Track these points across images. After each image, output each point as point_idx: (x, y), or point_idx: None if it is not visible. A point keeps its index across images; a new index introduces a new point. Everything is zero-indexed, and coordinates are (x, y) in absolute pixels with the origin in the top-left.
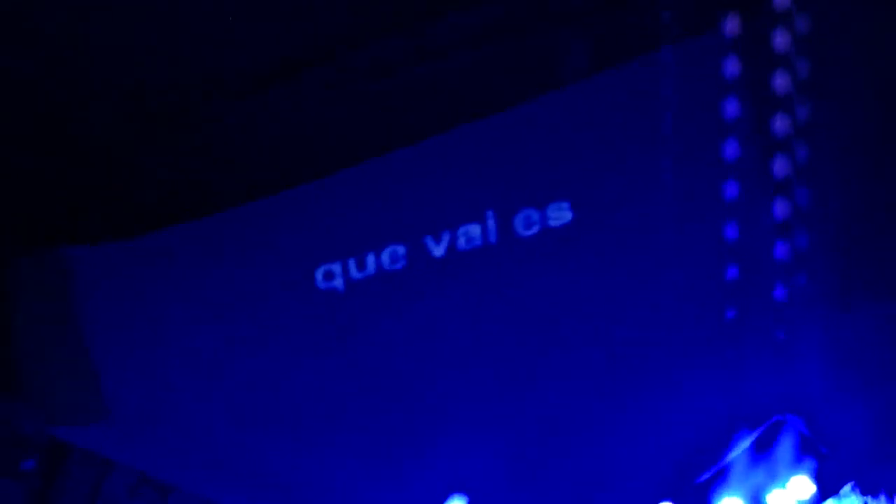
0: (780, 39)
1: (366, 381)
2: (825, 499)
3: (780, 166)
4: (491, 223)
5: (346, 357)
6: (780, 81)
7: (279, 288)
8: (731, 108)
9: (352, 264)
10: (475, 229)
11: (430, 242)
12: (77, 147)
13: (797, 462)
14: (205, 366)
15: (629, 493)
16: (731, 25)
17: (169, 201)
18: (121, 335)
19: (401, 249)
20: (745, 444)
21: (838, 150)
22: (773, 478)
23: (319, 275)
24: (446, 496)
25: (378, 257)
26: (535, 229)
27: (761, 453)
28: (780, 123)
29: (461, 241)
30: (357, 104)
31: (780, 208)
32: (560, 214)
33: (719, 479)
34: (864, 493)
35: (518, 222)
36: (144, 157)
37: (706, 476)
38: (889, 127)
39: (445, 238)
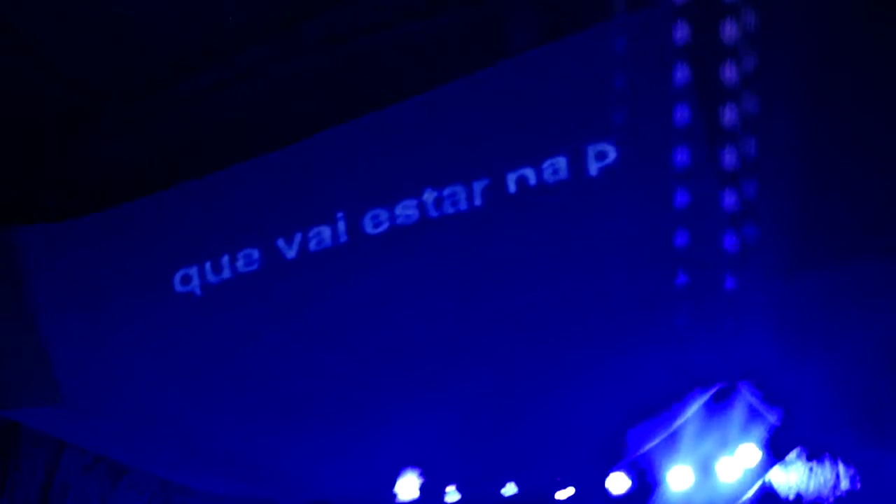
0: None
1: (314, 354)
2: (772, 465)
3: (728, 126)
4: (427, 196)
5: (294, 330)
6: (729, 32)
7: (226, 262)
8: (681, 74)
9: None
10: (411, 203)
11: (368, 218)
12: (20, 130)
13: (745, 430)
14: (154, 345)
15: (579, 462)
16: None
17: (111, 183)
18: (70, 315)
19: (342, 225)
20: (694, 410)
21: (787, 118)
22: (722, 446)
23: (280, 244)
24: (397, 469)
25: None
26: (481, 200)
27: (710, 421)
28: (729, 84)
29: (401, 218)
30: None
31: (729, 174)
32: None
33: (668, 447)
34: (809, 458)
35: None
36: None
37: (655, 442)
38: (837, 96)
39: (384, 215)
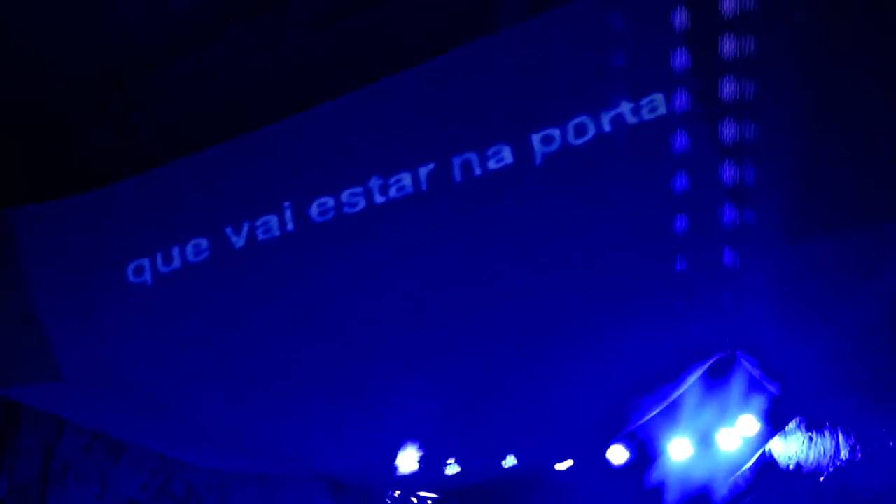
0: None
1: (311, 329)
2: (772, 436)
3: (726, 99)
4: (422, 171)
5: (291, 306)
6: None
7: (218, 240)
8: (679, 57)
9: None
10: (406, 177)
11: (366, 189)
12: (17, 112)
13: (745, 400)
14: (151, 323)
15: (579, 433)
16: None
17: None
18: (67, 293)
19: (330, 201)
20: (693, 382)
21: (785, 90)
22: (722, 417)
23: (274, 223)
24: (397, 443)
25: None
26: (477, 172)
27: (710, 392)
28: (727, 56)
29: (392, 191)
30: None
31: (728, 144)
32: (500, 157)
33: (668, 419)
34: (809, 428)
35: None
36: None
37: (655, 413)
38: (835, 68)
39: (375, 186)
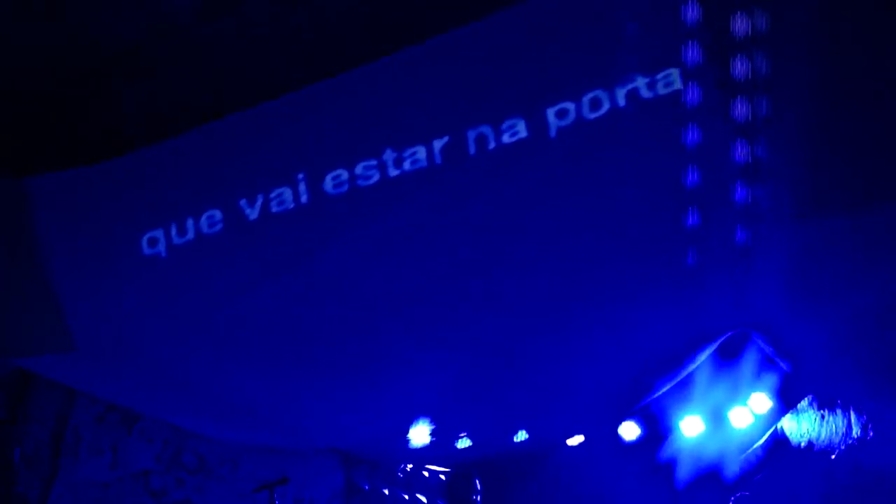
0: None
1: (325, 302)
2: (784, 414)
3: (740, 77)
4: (437, 144)
5: (304, 278)
6: None
7: (233, 211)
8: (691, 35)
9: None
10: (421, 151)
11: (381, 162)
12: (31, 87)
13: (757, 378)
14: (165, 295)
15: (591, 409)
16: None
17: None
18: (83, 264)
19: (344, 174)
20: (705, 357)
21: (798, 69)
22: (734, 394)
23: (288, 195)
24: (409, 417)
25: (353, 171)
26: (492, 145)
27: (722, 370)
28: (742, 34)
29: (407, 164)
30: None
31: (742, 120)
32: (515, 131)
33: (680, 395)
34: (821, 407)
35: (471, 140)
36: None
37: (666, 389)
38: (847, 48)
39: (390, 159)
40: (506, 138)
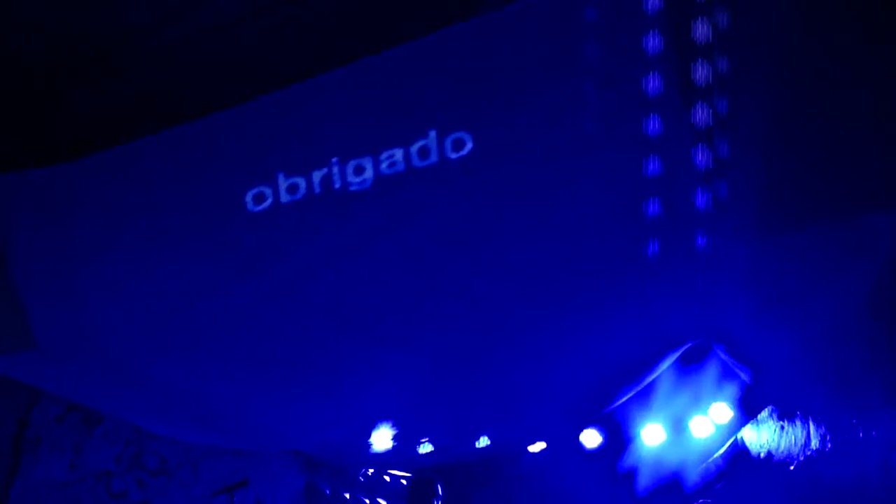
0: None
1: (287, 305)
2: (744, 424)
3: (701, 86)
4: (414, 147)
5: (267, 281)
6: None
7: (201, 213)
8: (654, 42)
9: (282, 188)
10: (399, 153)
11: (350, 168)
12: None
13: (718, 388)
14: (128, 293)
15: (552, 416)
16: None
17: (91, 131)
18: (44, 261)
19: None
20: (666, 366)
21: (760, 80)
22: (695, 403)
23: (249, 197)
24: (371, 421)
25: (309, 181)
26: (465, 150)
27: (683, 379)
28: (703, 42)
29: (384, 166)
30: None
31: (701, 135)
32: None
33: (641, 404)
34: (781, 417)
35: (447, 145)
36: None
37: (628, 397)
38: (812, 60)
39: (368, 164)
40: (450, 153)
